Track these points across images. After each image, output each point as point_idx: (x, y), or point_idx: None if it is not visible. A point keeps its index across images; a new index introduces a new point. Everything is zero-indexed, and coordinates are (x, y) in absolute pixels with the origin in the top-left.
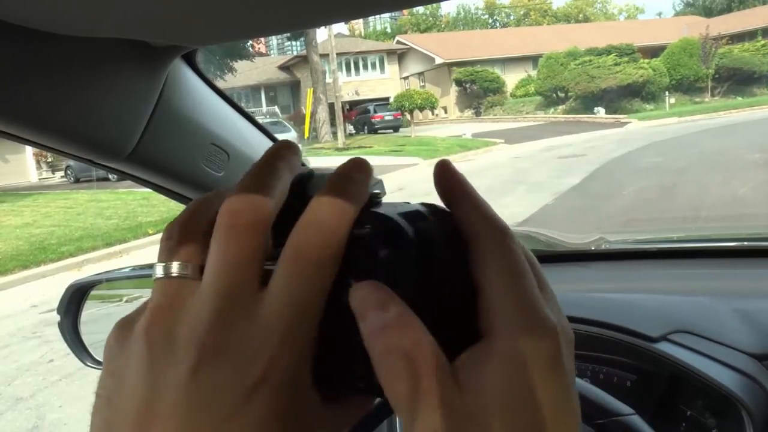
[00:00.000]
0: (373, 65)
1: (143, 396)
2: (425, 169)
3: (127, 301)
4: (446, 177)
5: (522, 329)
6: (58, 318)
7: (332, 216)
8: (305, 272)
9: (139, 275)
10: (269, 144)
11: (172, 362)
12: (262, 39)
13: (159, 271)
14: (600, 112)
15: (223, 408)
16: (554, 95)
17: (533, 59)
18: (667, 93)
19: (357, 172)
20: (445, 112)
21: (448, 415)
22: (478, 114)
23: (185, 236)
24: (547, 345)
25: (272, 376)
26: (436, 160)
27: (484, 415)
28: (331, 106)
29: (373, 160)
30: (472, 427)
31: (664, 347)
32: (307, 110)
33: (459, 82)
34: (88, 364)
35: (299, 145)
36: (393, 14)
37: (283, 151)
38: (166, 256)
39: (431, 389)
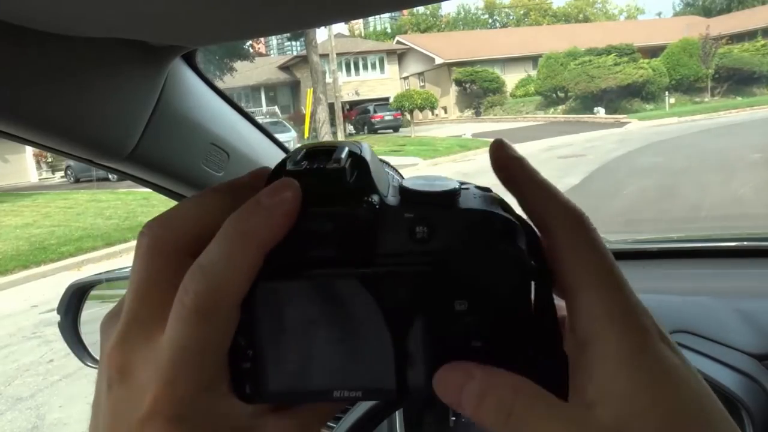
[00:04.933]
0: (373, 65)
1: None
2: (425, 169)
3: None
4: (505, 160)
5: (623, 332)
6: (58, 318)
7: (224, 264)
8: (189, 319)
9: None
10: (269, 144)
11: (101, 371)
12: (262, 39)
13: None
14: (600, 112)
15: (126, 425)
16: (554, 95)
17: (533, 59)
18: (666, 93)
19: (269, 198)
20: (445, 112)
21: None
22: (478, 114)
23: None
24: (643, 343)
25: (162, 410)
26: (436, 160)
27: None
28: (331, 106)
29: None
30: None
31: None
32: (307, 110)
33: (459, 82)
34: (88, 364)
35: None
36: (393, 14)
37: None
38: None
39: (524, 418)
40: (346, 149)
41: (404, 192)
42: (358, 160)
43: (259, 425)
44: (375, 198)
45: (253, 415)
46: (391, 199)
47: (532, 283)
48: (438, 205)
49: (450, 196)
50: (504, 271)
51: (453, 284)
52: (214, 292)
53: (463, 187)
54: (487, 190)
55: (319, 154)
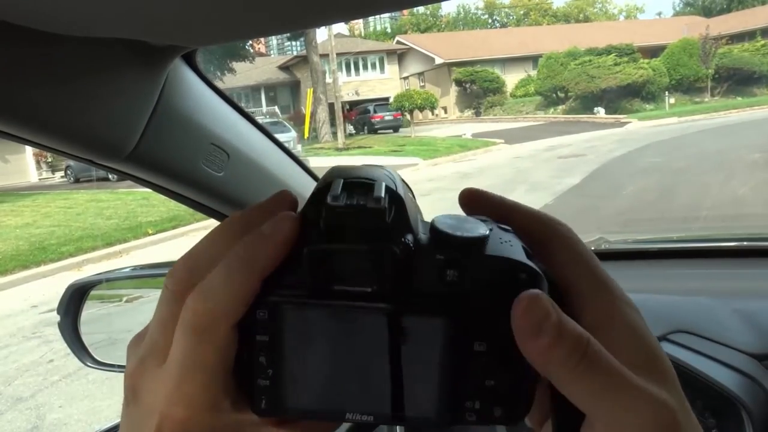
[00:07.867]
0: (373, 65)
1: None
2: (425, 169)
3: (127, 301)
4: (484, 199)
5: (619, 304)
6: (58, 318)
7: (222, 287)
8: (189, 335)
9: (139, 275)
10: (269, 144)
11: (124, 389)
12: (262, 39)
13: None
14: (600, 112)
15: None
16: (554, 95)
17: (533, 59)
18: (666, 93)
19: (270, 229)
20: (445, 112)
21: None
22: (478, 114)
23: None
24: (637, 314)
25: (166, 428)
26: (436, 160)
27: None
28: (331, 106)
29: (373, 161)
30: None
31: (664, 347)
32: (307, 110)
33: (459, 82)
34: (88, 364)
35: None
36: (393, 14)
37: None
38: None
39: (592, 367)
40: (384, 186)
41: (435, 232)
42: (395, 198)
43: None
44: (410, 238)
45: (255, 426)
46: (423, 236)
47: None
48: (468, 249)
49: (479, 242)
50: None
51: (475, 326)
52: (210, 312)
53: (490, 228)
54: (509, 230)
55: (356, 187)
